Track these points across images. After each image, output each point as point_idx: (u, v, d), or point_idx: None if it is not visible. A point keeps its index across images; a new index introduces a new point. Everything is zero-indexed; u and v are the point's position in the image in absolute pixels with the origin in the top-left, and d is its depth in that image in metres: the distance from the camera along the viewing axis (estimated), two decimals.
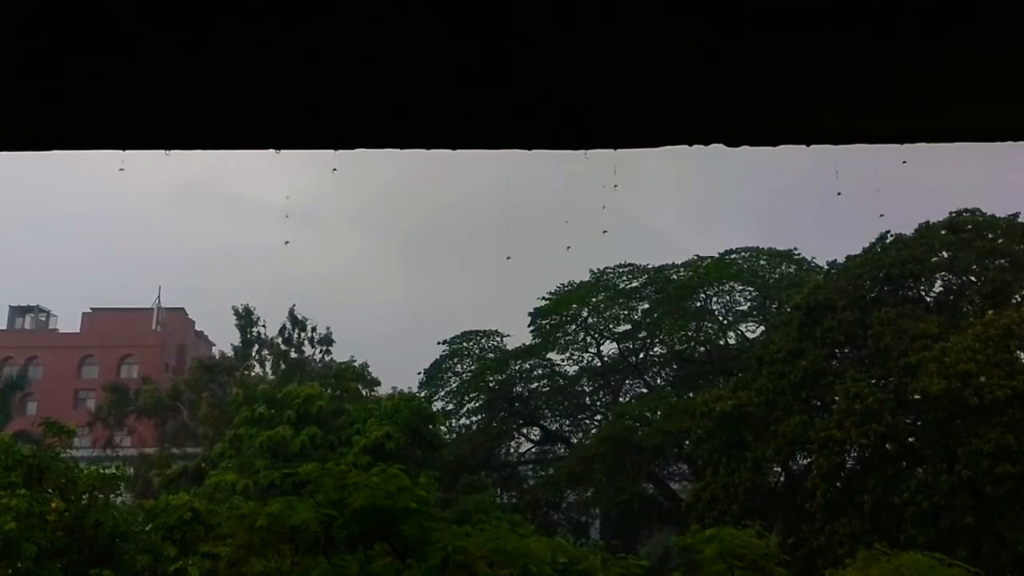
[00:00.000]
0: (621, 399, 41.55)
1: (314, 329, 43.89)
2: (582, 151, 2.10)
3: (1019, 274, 24.78)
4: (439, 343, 42.73)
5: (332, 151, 2.14)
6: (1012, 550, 20.09)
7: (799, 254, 39.49)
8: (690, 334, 39.36)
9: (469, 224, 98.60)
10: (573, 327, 41.04)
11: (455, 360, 42.44)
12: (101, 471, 16.85)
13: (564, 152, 2.10)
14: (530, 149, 2.10)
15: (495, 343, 42.64)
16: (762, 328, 37.29)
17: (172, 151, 2.16)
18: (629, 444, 31.76)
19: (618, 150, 2.11)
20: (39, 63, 1.85)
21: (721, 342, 38.79)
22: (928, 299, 26.98)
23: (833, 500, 23.19)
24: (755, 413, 25.27)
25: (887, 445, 24.37)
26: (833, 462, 23.29)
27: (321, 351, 43.71)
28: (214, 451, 30.66)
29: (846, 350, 26.18)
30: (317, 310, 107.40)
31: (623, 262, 40.53)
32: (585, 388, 43.29)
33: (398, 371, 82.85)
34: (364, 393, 33.86)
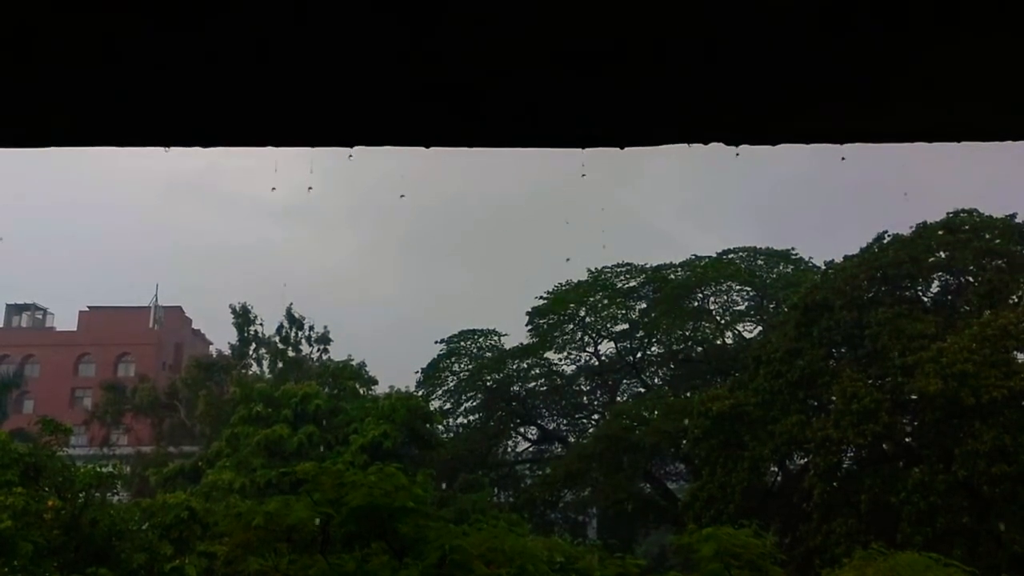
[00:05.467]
0: (618, 398, 41.60)
1: (311, 328, 43.84)
2: (582, 150, 2.10)
3: (1016, 275, 24.81)
4: (437, 342, 42.81)
5: (331, 149, 2.13)
6: (1008, 549, 20.13)
7: (796, 254, 39.59)
8: (687, 334, 39.42)
9: (467, 222, 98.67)
10: (571, 326, 41.09)
11: (453, 359, 42.47)
12: (98, 469, 16.82)
13: (564, 151, 2.10)
14: (530, 148, 2.10)
15: (493, 342, 42.69)
16: (759, 328, 37.35)
17: (170, 148, 2.16)
18: (626, 443, 31.80)
19: (618, 149, 2.11)
20: (36, 61, 1.84)
21: (718, 342, 38.84)
22: (925, 299, 27.01)
23: (830, 500, 23.22)
24: (752, 413, 25.30)
25: (884, 445, 24.40)
26: (830, 462, 23.32)
27: (318, 350, 43.64)
28: (211, 450, 30.62)
29: (843, 350, 26.21)
30: (315, 308, 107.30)
31: (621, 261, 40.63)
32: (582, 387, 43.35)
33: (396, 370, 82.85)
34: (361, 392, 33.80)
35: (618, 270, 40.36)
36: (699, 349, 39.20)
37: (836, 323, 25.35)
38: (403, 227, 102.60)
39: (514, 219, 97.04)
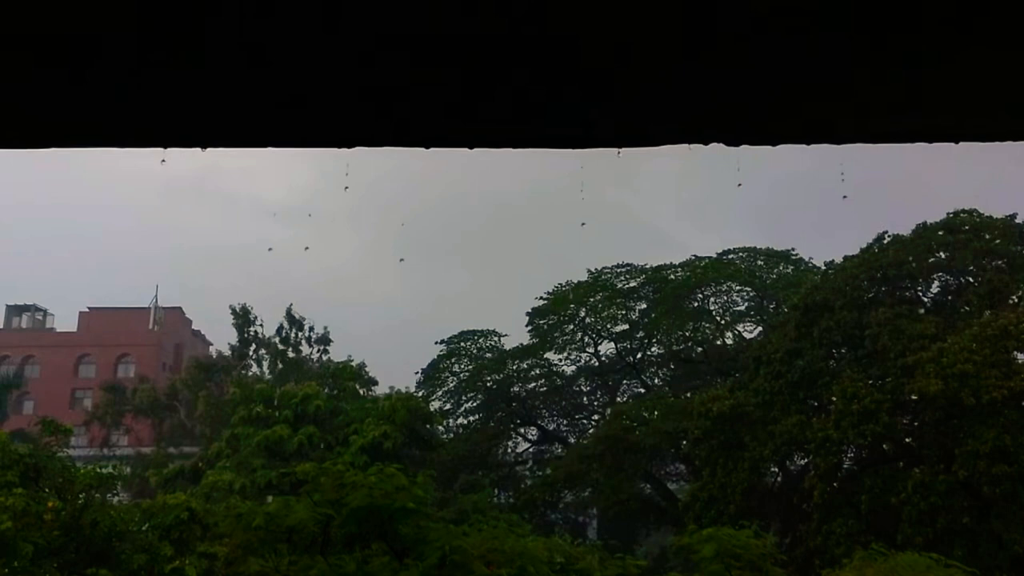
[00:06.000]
0: (618, 399, 41.60)
1: (311, 328, 43.87)
2: (582, 151, 2.10)
3: (1016, 275, 24.82)
4: (437, 343, 42.81)
5: (331, 149, 2.13)
6: (1009, 550, 20.12)
7: (796, 254, 39.58)
8: (687, 334, 39.42)
9: (468, 223, 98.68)
10: (571, 327, 41.09)
11: (453, 360, 42.47)
12: (98, 470, 16.83)
13: (563, 152, 2.10)
14: (529, 149, 2.10)
15: (493, 343, 42.69)
16: (759, 328, 37.35)
17: (169, 149, 2.16)
18: (626, 444, 31.78)
19: (618, 150, 2.10)
20: (36, 61, 1.84)
21: (718, 342, 38.83)
22: (925, 300, 27.01)
23: (830, 500, 23.21)
24: (752, 413, 25.30)
25: (884, 445, 24.40)
26: (830, 462, 23.31)
27: (318, 350, 43.69)
28: (211, 450, 30.65)
29: (843, 350, 26.21)
30: (315, 309, 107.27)
31: (621, 262, 40.63)
32: (583, 388, 43.36)
33: (396, 370, 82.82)
34: (361, 392, 33.84)
35: (618, 270, 40.36)
36: (699, 350, 39.19)
37: (836, 323, 25.34)
38: (404, 227, 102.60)
39: (514, 219, 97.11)
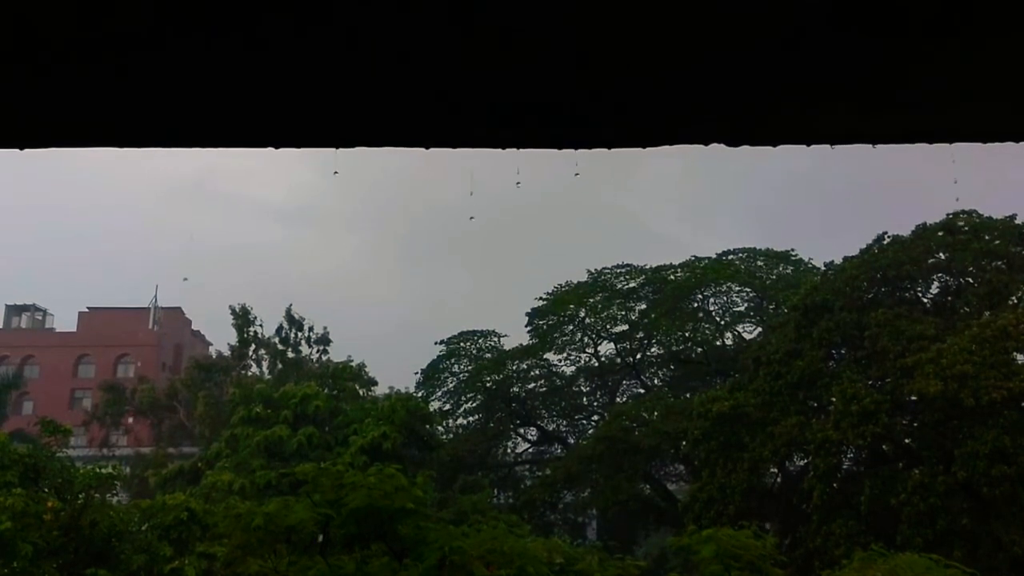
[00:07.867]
0: (618, 399, 41.58)
1: (311, 329, 43.86)
2: (582, 151, 2.10)
3: (1016, 276, 24.80)
4: (436, 343, 42.81)
5: (331, 149, 2.13)
6: (1008, 551, 20.11)
7: (796, 255, 39.58)
8: (687, 335, 39.41)
9: (468, 223, 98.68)
10: (570, 327, 41.09)
11: (452, 360, 42.47)
12: (97, 470, 16.82)
13: (564, 152, 2.10)
14: (530, 149, 2.10)
15: (492, 343, 42.70)
16: (759, 329, 37.33)
17: (170, 149, 2.16)
18: (626, 445, 31.78)
19: (618, 150, 2.10)
20: (38, 61, 1.84)
21: (718, 343, 38.83)
22: (925, 300, 26.99)
23: (830, 501, 23.19)
24: (752, 414, 25.28)
25: (884, 446, 24.39)
26: (830, 463, 23.30)
27: (318, 351, 43.67)
28: (211, 451, 30.65)
29: (843, 351, 26.19)
30: (314, 310, 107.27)
31: (621, 262, 40.63)
32: (582, 388, 43.33)
33: (395, 371, 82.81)
34: (361, 393, 33.86)
35: (618, 271, 40.37)
36: (699, 350, 39.18)
37: (836, 324, 25.33)
38: (404, 228, 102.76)
39: (514, 220, 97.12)
